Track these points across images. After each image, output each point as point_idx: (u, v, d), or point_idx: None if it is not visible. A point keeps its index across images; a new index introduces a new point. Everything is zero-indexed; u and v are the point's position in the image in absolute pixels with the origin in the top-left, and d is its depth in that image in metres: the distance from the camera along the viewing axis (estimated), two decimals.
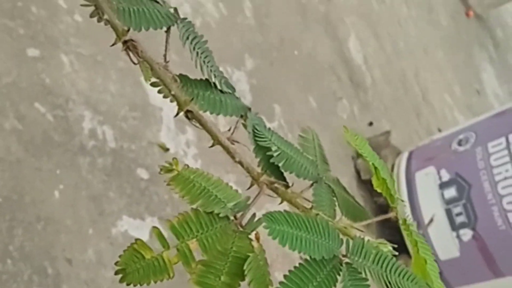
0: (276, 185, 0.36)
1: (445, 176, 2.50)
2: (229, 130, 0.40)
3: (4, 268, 1.40)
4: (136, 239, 0.44)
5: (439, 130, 3.58)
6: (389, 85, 3.49)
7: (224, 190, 0.44)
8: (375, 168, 0.46)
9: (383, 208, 2.57)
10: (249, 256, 0.44)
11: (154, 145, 1.88)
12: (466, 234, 2.41)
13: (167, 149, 1.91)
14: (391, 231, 2.35)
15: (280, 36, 2.72)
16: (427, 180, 2.54)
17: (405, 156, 2.70)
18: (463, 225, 2.42)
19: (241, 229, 0.45)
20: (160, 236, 0.44)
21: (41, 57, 1.69)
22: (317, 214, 0.36)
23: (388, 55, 3.66)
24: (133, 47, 0.39)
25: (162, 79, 0.37)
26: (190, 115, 0.36)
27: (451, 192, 2.46)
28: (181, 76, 0.42)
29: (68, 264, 1.52)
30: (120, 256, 0.44)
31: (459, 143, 2.57)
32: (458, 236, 2.43)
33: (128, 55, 0.41)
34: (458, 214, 2.44)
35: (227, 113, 0.43)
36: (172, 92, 0.36)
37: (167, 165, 0.46)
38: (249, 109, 0.46)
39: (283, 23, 2.79)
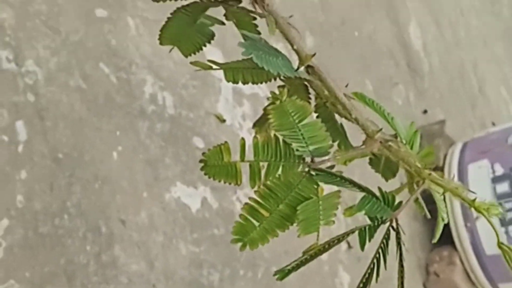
0: (390, 143, 0.35)
1: (499, 171, 2.45)
2: (346, 86, 0.39)
3: (61, 223, 1.43)
4: (225, 142, 0.50)
5: (493, 124, 3.50)
6: (446, 74, 3.42)
7: (314, 131, 0.46)
8: None
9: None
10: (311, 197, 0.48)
11: (211, 115, 1.88)
12: None
13: (224, 120, 1.91)
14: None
15: (342, 17, 2.68)
16: (480, 173, 2.50)
17: (459, 147, 2.65)
18: None
19: (313, 172, 0.47)
20: (243, 148, 0.49)
21: (109, 18, 1.70)
22: (429, 174, 0.36)
23: (447, 44, 3.59)
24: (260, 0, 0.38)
25: (286, 33, 0.37)
26: (310, 70, 0.36)
27: (503, 187, 2.41)
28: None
29: (121, 224, 1.54)
30: (208, 150, 0.50)
31: None
32: (506, 232, 2.39)
33: (254, 7, 0.41)
34: (509, 210, 2.39)
35: None
36: (295, 47, 0.35)
37: (276, 93, 0.48)
38: None
39: (345, 3, 2.75)
